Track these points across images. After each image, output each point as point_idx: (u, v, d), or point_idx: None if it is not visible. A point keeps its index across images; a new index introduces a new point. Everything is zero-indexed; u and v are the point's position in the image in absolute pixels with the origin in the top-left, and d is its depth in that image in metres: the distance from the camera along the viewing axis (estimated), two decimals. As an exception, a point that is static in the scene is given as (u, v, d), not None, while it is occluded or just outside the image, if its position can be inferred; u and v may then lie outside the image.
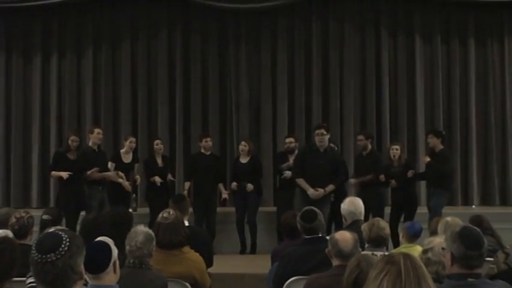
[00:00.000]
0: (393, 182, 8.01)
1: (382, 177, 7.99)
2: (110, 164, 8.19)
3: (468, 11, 10.41)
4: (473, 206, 10.03)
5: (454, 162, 10.13)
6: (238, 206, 8.55)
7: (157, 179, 8.28)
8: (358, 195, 6.82)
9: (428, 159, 8.11)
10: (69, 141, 7.85)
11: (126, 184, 8.23)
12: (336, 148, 8.49)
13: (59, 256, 2.19)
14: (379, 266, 2.13)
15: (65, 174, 7.65)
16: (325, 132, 7.56)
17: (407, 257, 2.14)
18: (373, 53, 10.35)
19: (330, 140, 8.26)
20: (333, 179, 7.59)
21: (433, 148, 8.11)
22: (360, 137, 8.45)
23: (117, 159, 8.33)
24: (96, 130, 8.17)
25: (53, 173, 7.94)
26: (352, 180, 8.39)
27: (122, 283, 2.85)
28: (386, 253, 3.94)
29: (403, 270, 2.08)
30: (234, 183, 8.48)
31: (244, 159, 8.61)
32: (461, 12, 10.44)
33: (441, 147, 8.05)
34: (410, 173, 7.99)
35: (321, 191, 7.47)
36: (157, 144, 8.58)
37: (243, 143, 8.72)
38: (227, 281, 6.54)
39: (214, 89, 10.31)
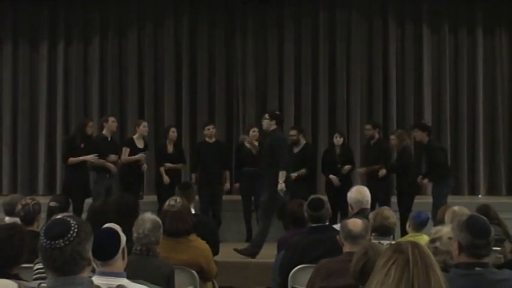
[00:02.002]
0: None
1: (379, 166, 8.00)
2: (124, 150, 8.19)
3: (476, 0, 10.34)
4: (480, 196, 10.02)
5: (460, 152, 10.17)
6: (244, 194, 8.56)
7: (163, 171, 8.29)
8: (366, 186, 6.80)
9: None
10: (88, 128, 7.88)
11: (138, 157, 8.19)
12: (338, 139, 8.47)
13: (67, 242, 2.19)
14: (387, 254, 2.12)
15: (90, 157, 7.66)
16: (267, 117, 7.57)
17: (415, 245, 2.13)
18: (381, 43, 10.30)
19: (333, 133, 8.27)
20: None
21: (420, 142, 8.10)
22: (368, 126, 8.49)
23: (131, 144, 8.32)
24: (111, 119, 8.20)
25: (73, 159, 7.76)
26: (360, 170, 8.44)
27: (129, 270, 2.86)
28: (393, 242, 3.95)
29: (411, 259, 2.07)
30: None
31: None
32: (469, 2, 10.36)
33: (427, 139, 7.96)
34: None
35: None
36: (173, 132, 8.52)
37: (256, 129, 8.67)
38: (233, 269, 6.56)
39: (220, 78, 10.29)
